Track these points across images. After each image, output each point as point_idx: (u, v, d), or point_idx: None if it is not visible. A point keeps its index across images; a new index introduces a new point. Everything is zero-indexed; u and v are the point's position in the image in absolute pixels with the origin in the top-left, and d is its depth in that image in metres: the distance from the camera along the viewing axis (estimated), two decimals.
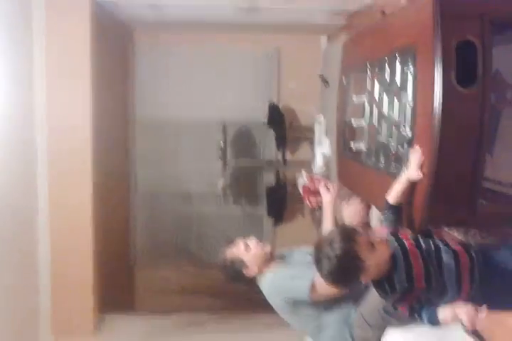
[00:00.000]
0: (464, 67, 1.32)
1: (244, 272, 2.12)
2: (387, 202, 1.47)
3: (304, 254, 2.21)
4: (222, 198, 4.69)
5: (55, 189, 3.51)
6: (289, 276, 2.04)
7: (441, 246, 1.35)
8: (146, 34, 4.58)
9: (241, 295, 3.97)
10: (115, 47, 4.35)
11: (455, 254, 1.33)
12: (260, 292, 2.21)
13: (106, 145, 3.91)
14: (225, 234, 4.68)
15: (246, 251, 2.12)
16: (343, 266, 1.30)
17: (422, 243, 1.35)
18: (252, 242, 2.16)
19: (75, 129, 3.54)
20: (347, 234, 1.33)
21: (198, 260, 4.79)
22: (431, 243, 1.36)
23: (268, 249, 2.16)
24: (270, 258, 2.15)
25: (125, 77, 4.68)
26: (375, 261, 1.29)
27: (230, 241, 2.21)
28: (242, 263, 2.12)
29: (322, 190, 2.36)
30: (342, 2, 3.60)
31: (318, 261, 1.38)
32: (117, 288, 4.34)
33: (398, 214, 1.45)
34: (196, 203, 4.93)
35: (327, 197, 2.34)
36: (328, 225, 2.31)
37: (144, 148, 4.80)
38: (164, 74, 4.69)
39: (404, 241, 1.34)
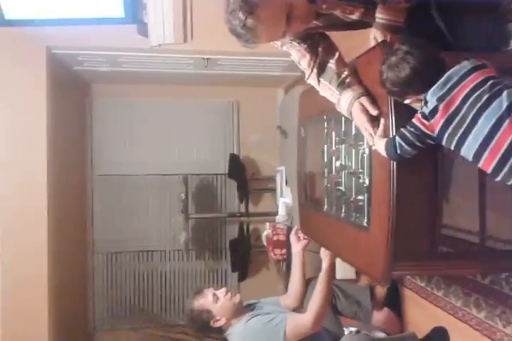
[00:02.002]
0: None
1: (212, 323, 2.07)
2: None
3: (274, 304, 2.18)
4: (184, 253, 4.58)
5: (7, 251, 3.34)
6: (261, 325, 1.99)
7: None
8: (103, 87, 4.60)
9: None
10: (72, 101, 4.33)
11: None
12: None
13: (62, 204, 3.79)
14: (188, 292, 4.53)
15: (214, 301, 2.08)
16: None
17: None
18: (221, 292, 2.12)
19: (32, 187, 3.43)
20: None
21: (162, 321, 4.58)
22: None
23: (237, 299, 2.13)
24: (239, 309, 2.11)
25: (83, 132, 4.64)
26: None
27: (198, 292, 2.16)
28: (209, 314, 2.08)
29: (293, 239, 2.35)
30: None
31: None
32: None
33: None
34: (157, 260, 4.79)
35: (297, 247, 2.33)
36: (297, 274, 2.30)
37: (102, 206, 4.67)
38: (123, 128, 4.69)
39: None
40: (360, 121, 1.42)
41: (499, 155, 1.07)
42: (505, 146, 1.06)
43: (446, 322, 2.05)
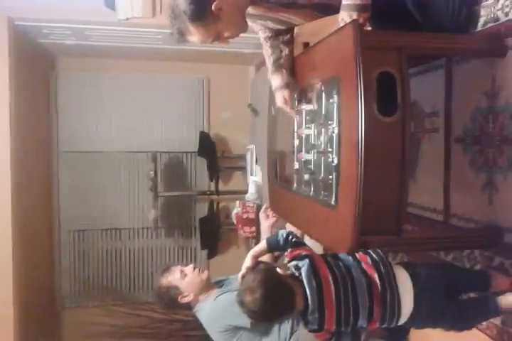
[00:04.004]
0: (384, 97, 1.37)
1: (180, 299, 2.07)
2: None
3: None
4: (153, 231, 4.56)
5: None
6: (230, 302, 2.00)
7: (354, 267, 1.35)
8: (70, 61, 4.46)
9: (177, 332, 3.83)
10: (36, 75, 4.19)
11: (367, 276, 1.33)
12: (197, 327, 2.16)
13: (27, 181, 3.70)
14: (156, 270, 4.53)
15: (181, 277, 2.09)
16: (271, 307, 1.28)
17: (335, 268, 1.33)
18: (189, 268, 2.13)
19: None
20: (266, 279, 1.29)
21: (130, 299, 4.58)
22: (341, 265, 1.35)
23: (205, 275, 2.14)
24: (207, 285, 2.12)
25: (47, 107, 4.51)
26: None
27: (166, 269, 2.17)
28: (177, 290, 2.09)
29: (262, 216, 2.37)
30: None
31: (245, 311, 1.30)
32: (45, 336, 4.03)
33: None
34: (126, 238, 4.76)
35: (266, 223, 2.34)
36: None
37: (69, 183, 4.60)
38: (90, 104, 4.57)
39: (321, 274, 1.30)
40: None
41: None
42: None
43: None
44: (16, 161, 3.43)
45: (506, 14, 1.48)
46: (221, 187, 4.51)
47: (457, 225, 1.74)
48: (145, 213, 4.56)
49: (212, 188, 4.56)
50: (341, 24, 1.52)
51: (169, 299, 2.10)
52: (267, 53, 1.87)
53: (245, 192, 3.93)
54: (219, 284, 2.20)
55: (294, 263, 1.35)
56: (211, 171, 4.45)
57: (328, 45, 1.55)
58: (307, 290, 1.27)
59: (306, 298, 1.27)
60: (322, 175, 1.65)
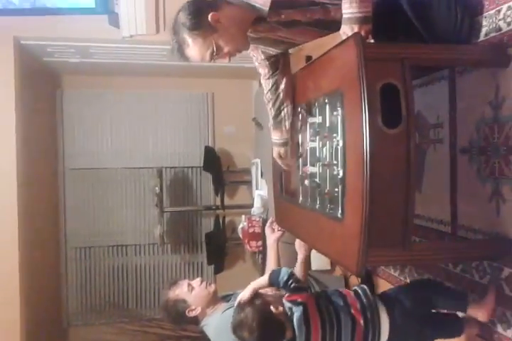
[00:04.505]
0: (388, 108, 1.37)
1: (187, 313, 2.06)
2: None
3: None
4: (159, 247, 4.54)
5: None
6: None
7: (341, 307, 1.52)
8: (74, 79, 4.50)
9: None
10: (42, 93, 4.23)
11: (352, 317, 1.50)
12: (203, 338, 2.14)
13: (34, 199, 3.71)
14: (164, 285, 4.50)
15: (189, 291, 2.08)
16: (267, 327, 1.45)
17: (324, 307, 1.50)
18: (196, 282, 2.12)
19: (1, 181, 3.35)
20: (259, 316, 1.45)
21: (137, 315, 4.54)
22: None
23: (212, 288, 2.12)
24: (215, 299, 2.11)
25: (54, 125, 4.54)
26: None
27: (173, 283, 2.15)
28: (184, 303, 2.07)
29: (267, 231, 2.35)
30: None
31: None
32: None
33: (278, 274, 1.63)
34: (132, 254, 4.74)
35: (271, 238, 2.33)
36: (271, 266, 2.30)
37: (75, 200, 4.59)
38: (95, 121, 4.61)
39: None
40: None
41: None
42: None
43: None
44: (22, 178, 3.44)
45: (508, 24, 1.48)
46: (227, 201, 4.50)
47: (465, 236, 1.73)
48: (151, 229, 4.55)
49: (218, 203, 4.55)
50: (343, 37, 1.53)
51: (176, 313, 2.08)
52: (267, 99, 1.95)
53: (251, 206, 3.91)
54: (226, 298, 2.18)
55: (289, 305, 1.49)
56: (216, 186, 4.45)
57: (331, 58, 1.55)
58: (296, 331, 1.44)
59: (294, 331, 1.44)
60: (328, 188, 1.64)
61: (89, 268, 4.64)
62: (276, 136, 1.99)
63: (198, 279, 2.14)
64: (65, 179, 4.60)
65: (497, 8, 1.52)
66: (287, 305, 1.49)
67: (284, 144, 1.99)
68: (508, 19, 1.48)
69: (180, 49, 1.57)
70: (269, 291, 1.66)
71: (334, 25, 1.58)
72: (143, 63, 3.96)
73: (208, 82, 4.72)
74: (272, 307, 1.42)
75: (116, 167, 4.63)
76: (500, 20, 1.51)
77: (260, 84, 4.90)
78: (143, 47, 3.55)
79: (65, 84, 4.56)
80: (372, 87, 1.31)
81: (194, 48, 1.55)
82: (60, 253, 4.57)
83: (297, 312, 1.44)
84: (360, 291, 1.61)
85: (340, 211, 1.51)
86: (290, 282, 1.57)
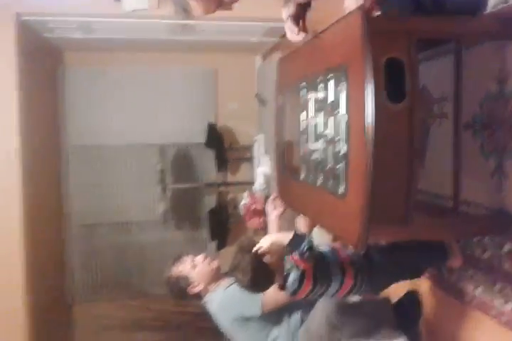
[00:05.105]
0: (393, 83, 1.36)
1: (190, 289, 2.09)
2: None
3: None
4: (162, 224, 4.58)
5: None
6: (240, 293, 2.01)
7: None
8: (76, 55, 4.46)
9: (189, 324, 3.85)
10: (44, 69, 4.19)
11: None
12: (207, 318, 2.17)
13: (36, 176, 3.73)
14: (166, 262, 4.55)
15: (192, 268, 2.10)
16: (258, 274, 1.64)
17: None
18: (199, 258, 2.13)
19: (3, 159, 3.36)
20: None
21: (141, 292, 4.61)
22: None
23: (215, 265, 2.14)
24: (218, 275, 2.13)
25: (55, 101, 4.52)
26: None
27: (177, 259, 2.18)
28: (187, 280, 2.09)
29: (269, 207, 2.36)
30: (275, 21, 3.68)
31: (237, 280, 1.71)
32: (55, 328, 4.07)
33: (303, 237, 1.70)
34: (136, 231, 4.78)
35: (273, 214, 2.34)
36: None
37: (78, 177, 4.61)
38: (97, 97, 4.58)
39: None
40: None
41: None
42: None
43: (418, 285, 2.12)
44: (26, 156, 3.45)
45: None
46: (229, 178, 4.52)
47: (467, 212, 1.73)
48: (154, 206, 4.58)
49: (220, 180, 4.56)
50: (347, 11, 1.50)
51: (179, 289, 2.11)
52: None
53: (253, 183, 3.93)
54: (229, 274, 2.20)
55: (290, 265, 1.62)
56: (219, 163, 4.46)
57: (335, 32, 1.53)
58: (287, 286, 1.62)
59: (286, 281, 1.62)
60: (330, 165, 1.64)
61: (93, 245, 4.70)
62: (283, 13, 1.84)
63: (202, 255, 2.16)
64: (68, 156, 4.61)
65: None
66: (289, 263, 1.62)
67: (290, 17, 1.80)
68: None
69: (183, 4, 1.55)
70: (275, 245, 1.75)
71: None
72: (145, 38, 3.92)
73: (211, 58, 4.67)
74: (267, 257, 1.61)
75: (118, 144, 4.63)
76: None
77: (263, 59, 4.81)
78: (145, 22, 3.51)
79: (67, 60, 4.52)
80: (376, 62, 1.29)
81: (198, 4, 1.52)
82: (63, 231, 4.62)
83: (294, 275, 1.60)
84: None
85: (342, 187, 1.52)
86: (308, 251, 1.65)
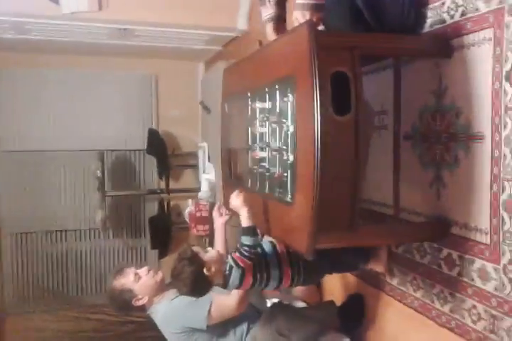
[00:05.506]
0: (337, 96, 1.40)
1: (134, 302, 2.04)
2: (242, 228, 1.71)
3: None
4: (101, 232, 4.44)
5: None
6: (186, 304, 1.99)
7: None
8: (9, 56, 4.21)
9: (130, 334, 3.75)
10: None
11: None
12: (150, 328, 2.13)
13: None
14: (107, 272, 4.42)
15: (135, 280, 2.06)
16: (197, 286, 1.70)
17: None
18: (142, 271, 2.09)
19: None
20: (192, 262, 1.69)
21: (79, 302, 4.44)
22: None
23: (159, 277, 2.11)
24: (162, 287, 2.10)
25: None
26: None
27: (119, 271, 2.12)
28: (131, 293, 2.05)
29: (215, 214, 2.35)
30: (218, 29, 3.69)
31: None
32: None
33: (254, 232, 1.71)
34: (72, 240, 4.60)
35: (219, 221, 2.33)
36: (219, 249, 2.30)
37: (8, 185, 4.37)
38: (32, 102, 4.38)
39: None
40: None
41: None
42: None
43: (360, 289, 2.19)
44: None
45: (452, 17, 1.54)
46: (172, 185, 4.45)
47: (407, 219, 1.81)
48: (92, 214, 4.43)
49: (162, 187, 4.49)
50: (295, 23, 1.54)
51: (123, 302, 2.06)
52: None
53: (197, 190, 3.89)
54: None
55: (231, 263, 1.69)
56: (161, 169, 4.38)
57: (283, 44, 1.56)
58: (228, 285, 1.72)
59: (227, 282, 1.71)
60: (277, 173, 1.66)
61: (27, 254, 4.48)
62: (264, 13, 1.94)
63: (145, 268, 2.12)
64: None
65: (441, 1, 1.58)
66: (230, 262, 1.69)
67: (272, 19, 1.93)
68: (452, 12, 1.54)
69: None
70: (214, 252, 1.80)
71: None
72: (84, 41, 3.79)
73: (153, 63, 4.61)
74: (205, 270, 1.66)
75: (55, 149, 4.45)
76: (444, 12, 1.57)
77: (207, 66, 4.80)
78: (84, 25, 3.39)
79: None
80: (323, 75, 1.33)
81: None
82: None
83: (235, 274, 1.69)
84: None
85: (289, 195, 1.54)
86: (256, 251, 1.72)
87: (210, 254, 1.75)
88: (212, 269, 1.68)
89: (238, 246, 1.72)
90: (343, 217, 1.46)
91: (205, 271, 1.67)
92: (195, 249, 1.78)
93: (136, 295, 2.05)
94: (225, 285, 1.73)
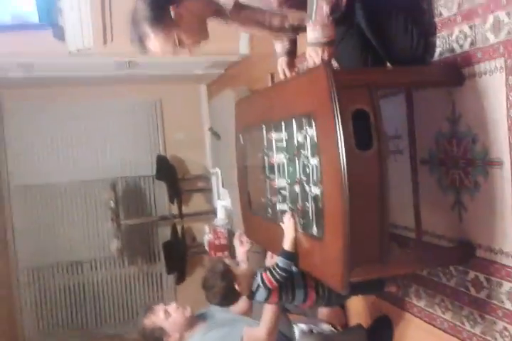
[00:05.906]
0: (359, 131, 1.44)
1: (166, 339, 2.05)
2: (283, 249, 1.72)
3: (224, 310, 2.20)
4: (117, 260, 4.45)
5: None
6: (218, 338, 2.00)
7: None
8: (16, 93, 4.29)
9: None
10: None
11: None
12: None
13: None
14: (123, 300, 4.42)
15: (165, 318, 2.07)
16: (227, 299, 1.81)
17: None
18: (172, 308, 2.11)
19: None
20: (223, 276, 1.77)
21: (99, 334, 4.43)
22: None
23: (188, 313, 2.12)
24: (192, 322, 2.11)
25: None
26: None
27: (148, 309, 2.14)
28: (162, 330, 2.06)
29: (236, 243, 2.37)
30: (220, 53, 3.75)
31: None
32: None
33: (293, 258, 1.71)
34: (88, 271, 4.60)
35: (241, 250, 2.35)
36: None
37: (23, 219, 4.40)
38: (40, 135, 4.44)
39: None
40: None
41: None
42: None
43: (387, 310, 2.20)
44: None
45: (461, 46, 1.59)
46: (184, 209, 4.48)
47: (429, 242, 1.84)
48: (105, 243, 4.45)
49: (174, 211, 4.52)
50: (309, 60, 1.58)
51: (155, 340, 2.07)
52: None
53: (210, 212, 3.92)
54: (202, 317, 2.19)
55: (259, 282, 1.74)
56: (172, 194, 4.41)
57: (300, 83, 1.60)
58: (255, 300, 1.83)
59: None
60: (299, 204, 1.69)
61: (44, 289, 4.49)
62: (278, 47, 1.93)
63: (174, 305, 2.13)
64: (10, 197, 4.40)
65: (450, 31, 1.62)
66: (258, 280, 1.75)
67: (285, 53, 1.91)
68: (461, 41, 1.59)
69: (140, 41, 1.55)
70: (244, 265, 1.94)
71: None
72: (89, 74, 3.85)
73: (155, 88, 4.67)
74: (235, 285, 1.74)
75: (65, 181, 4.49)
76: (453, 41, 1.62)
77: (208, 88, 4.84)
78: (90, 60, 3.45)
79: (5, 97, 4.35)
80: (344, 113, 1.37)
81: (156, 43, 1.54)
82: (10, 276, 4.38)
83: (261, 293, 1.77)
84: None
85: (315, 228, 1.57)
86: (287, 277, 1.76)
87: (241, 269, 1.84)
88: (243, 284, 1.77)
89: (271, 266, 1.76)
90: (374, 250, 1.47)
91: (235, 285, 1.76)
92: (227, 262, 1.88)
93: (167, 332, 2.06)
94: (251, 297, 1.82)
